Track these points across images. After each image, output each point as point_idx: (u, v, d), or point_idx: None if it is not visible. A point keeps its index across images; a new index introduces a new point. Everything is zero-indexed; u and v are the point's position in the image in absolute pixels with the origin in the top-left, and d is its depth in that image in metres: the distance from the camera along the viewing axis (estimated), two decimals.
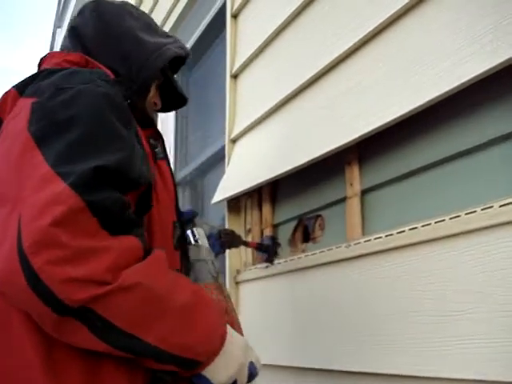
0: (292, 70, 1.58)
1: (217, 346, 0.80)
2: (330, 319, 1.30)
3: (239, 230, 1.69)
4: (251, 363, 0.87)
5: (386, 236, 1.15)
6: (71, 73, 0.87)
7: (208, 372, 0.80)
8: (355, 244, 1.24)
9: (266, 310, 1.59)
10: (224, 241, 1.28)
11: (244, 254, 1.78)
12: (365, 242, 1.22)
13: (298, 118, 1.53)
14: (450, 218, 1.00)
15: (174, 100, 1.20)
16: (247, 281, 1.70)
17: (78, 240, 0.68)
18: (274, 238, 1.50)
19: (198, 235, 1.14)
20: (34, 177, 0.73)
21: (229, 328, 0.85)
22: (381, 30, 1.24)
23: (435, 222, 1.03)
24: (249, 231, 1.80)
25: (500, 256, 0.90)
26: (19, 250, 0.67)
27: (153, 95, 1.08)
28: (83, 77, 0.86)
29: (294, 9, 1.59)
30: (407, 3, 1.14)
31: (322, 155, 1.32)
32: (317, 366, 1.32)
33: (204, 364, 0.79)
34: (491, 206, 0.92)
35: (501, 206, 0.90)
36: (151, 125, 1.03)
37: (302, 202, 1.55)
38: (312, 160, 1.35)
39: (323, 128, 1.38)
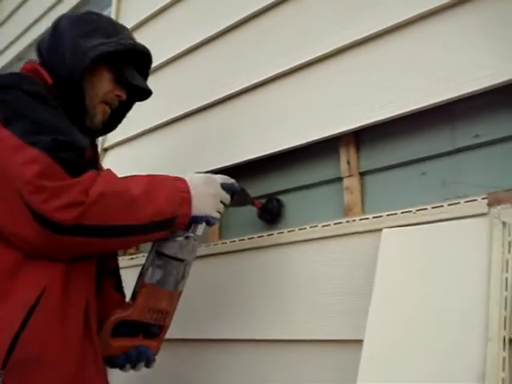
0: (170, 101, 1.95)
1: (180, 200, 1.12)
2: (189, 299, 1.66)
3: None
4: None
5: (240, 240, 1.57)
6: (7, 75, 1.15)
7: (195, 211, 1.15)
8: (214, 245, 1.65)
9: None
10: (236, 198, 1.31)
11: None
12: (222, 244, 1.63)
13: (175, 139, 1.90)
14: (288, 231, 1.45)
15: (141, 92, 1.41)
16: None
17: (55, 182, 0.97)
18: (278, 200, 1.55)
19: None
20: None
21: (186, 181, 1.16)
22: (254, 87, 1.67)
23: (277, 233, 1.48)
24: None
25: (326, 257, 1.36)
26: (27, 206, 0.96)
27: (109, 90, 1.29)
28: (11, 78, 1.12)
29: (177, 52, 1.98)
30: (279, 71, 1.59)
31: None
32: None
33: (179, 216, 1.12)
34: (316, 225, 1.40)
35: (323, 226, 1.38)
36: (76, 123, 1.20)
37: None
38: None
39: (195, 153, 1.77)
